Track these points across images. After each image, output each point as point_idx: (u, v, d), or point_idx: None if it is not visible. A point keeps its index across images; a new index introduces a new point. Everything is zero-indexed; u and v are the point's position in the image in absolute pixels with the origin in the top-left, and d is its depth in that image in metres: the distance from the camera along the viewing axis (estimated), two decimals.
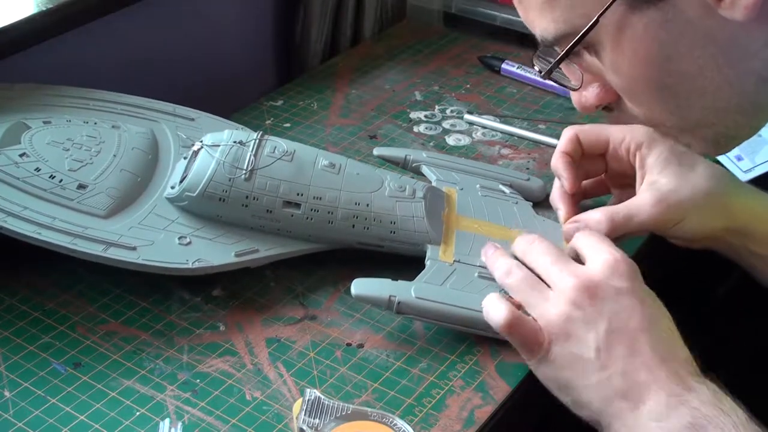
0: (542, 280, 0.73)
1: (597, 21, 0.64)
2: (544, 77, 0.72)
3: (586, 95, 0.72)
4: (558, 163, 0.87)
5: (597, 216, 0.82)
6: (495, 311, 0.73)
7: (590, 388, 0.69)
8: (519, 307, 0.73)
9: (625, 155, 0.86)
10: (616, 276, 0.70)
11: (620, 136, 0.86)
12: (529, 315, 0.72)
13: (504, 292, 0.76)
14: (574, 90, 0.73)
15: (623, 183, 0.88)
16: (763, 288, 0.85)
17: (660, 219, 0.81)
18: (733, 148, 0.76)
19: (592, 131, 0.88)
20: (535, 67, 0.73)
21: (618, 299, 0.70)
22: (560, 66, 0.70)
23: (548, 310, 0.71)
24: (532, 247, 0.76)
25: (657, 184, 0.82)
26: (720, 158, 1.03)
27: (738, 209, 0.82)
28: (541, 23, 0.69)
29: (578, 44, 0.66)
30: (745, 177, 1.01)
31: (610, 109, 0.73)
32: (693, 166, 0.82)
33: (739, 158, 1.03)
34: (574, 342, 0.69)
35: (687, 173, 0.82)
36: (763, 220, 0.82)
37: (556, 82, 0.74)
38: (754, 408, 0.68)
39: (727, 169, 0.85)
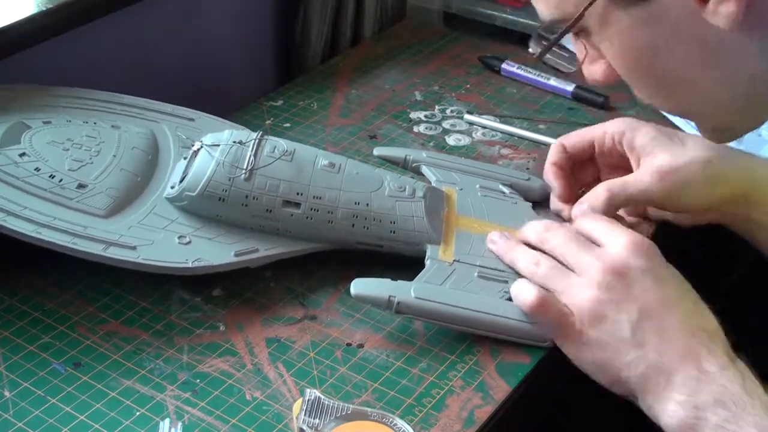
0: (565, 266, 0.75)
1: (582, 14, 0.66)
2: (538, 58, 0.74)
3: (594, 70, 0.73)
4: (548, 174, 0.89)
5: (596, 189, 0.83)
6: (525, 293, 0.75)
7: (628, 366, 0.70)
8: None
9: (612, 148, 0.87)
10: (639, 256, 0.72)
11: (601, 131, 0.88)
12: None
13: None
14: (569, 71, 0.75)
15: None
16: None
17: (658, 190, 0.82)
18: (737, 138, 0.76)
19: (575, 136, 0.90)
20: (530, 49, 0.75)
21: (644, 278, 0.71)
22: (565, 43, 0.72)
23: (579, 294, 0.73)
24: (550, 233, 0.77)
25: (651, 160, 0.83)
26: None
27: (737, 176, 0.83)
28: (539, 5, 0.71)
29: (567, 32, 0.68)
30: None
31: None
32: (683, 140, 0.84)
33: None
34: (609, 324, 0.71)
35: (678, 146, 0.83)
36: (764, 184, 0.83)
37: (550, 66, 0.76)
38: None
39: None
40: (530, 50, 0.75)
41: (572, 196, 0.88)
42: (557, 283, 0.74)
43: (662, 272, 0.73)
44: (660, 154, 0.83)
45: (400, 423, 0.68)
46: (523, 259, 0.78)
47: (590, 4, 0.64)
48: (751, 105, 0.68)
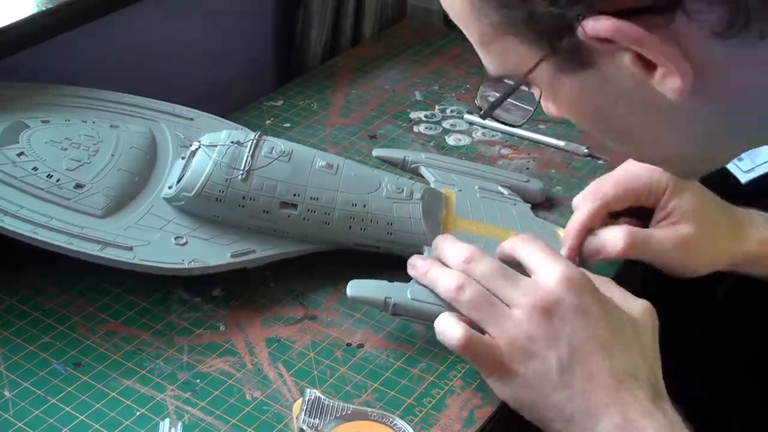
0: (494, 295, 0.71)
1: (525, 78, 0.60)
2: (484, 116, 0.68)
3: (550, 108, 0.66)
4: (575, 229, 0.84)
5: (617, 232, 0.81)
6: (450, 331, 0.71)
7: (553, 407, 0.68)
8: (470, 323, 0.71)
9: (652, 202, 0.85)
10: (573, 292, 0.69)
11: (645, 189, 0.84)
12: (484, 332, 0.71)
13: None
14: (517, 125, 0.71)
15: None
16: (762, 288, 0.85)
17: (676, 261, 0.82)
18: (703, 175, 0.74)
19: (620, 197, 0.85)
20: (476, 101, 0.69)
21: (576, 317, 0.69)
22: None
23: (509, 329, 0.69)
24: (477, 262, 0.73)
25: (680, 228, 0.83)
26: None
27: (759, 255, 0.85)
28: (484, 60, 0.63)
29: (511, 93, 0.63)
30: (745, 177, 1.01)
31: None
32: (717, 223, 0.84)
33: (740, 158, 1.03)
34: (538, 362, 0.68)
35: (710, 229, 0.83)
36: None
37: (500, 122, 0.70)
38: (756, 405, 0.68)
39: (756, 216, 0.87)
40: (476, 103, 0.70)
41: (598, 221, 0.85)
42: (486, 313, 0.71)
43: (595, 310, 0.69)
44: (689, 228, 0.83)
45: (400, 423, 0.68)
46: (444, 281, 0.74)
47: (530, 70, 0.58)
48: (710, 159, 0.65)
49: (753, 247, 0.84)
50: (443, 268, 0.75)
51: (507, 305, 0.70)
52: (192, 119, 0.96)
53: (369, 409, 0.69)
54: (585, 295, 0.70)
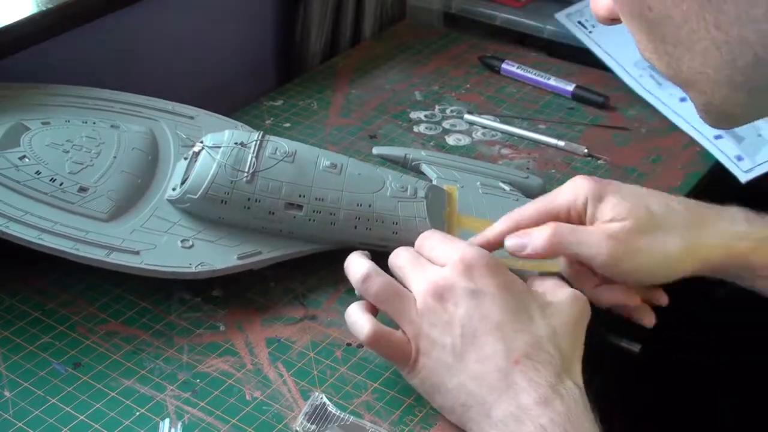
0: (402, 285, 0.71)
1: None
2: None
3: (600, 3, 0.60)
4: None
5: (544, 227, 0.77)
6: (359, 325, 0.70)
7: (451, 393, 0.68)
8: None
9: (576, 219, 0.79)
10: (466, 274, 0.69)
11: (564, 207, 0.79)
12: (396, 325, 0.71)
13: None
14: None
15: None
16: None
17: (612, 258, 0.76)
18: (731, 126, 0.67)
19: (534, 218, 0.79)
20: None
21: (469, 299, 0.68)
22: None
23: (413, 319, 0.69)
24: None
25: (611, 224, 0.77)
26: (720, 159, 1.03)
27: (708, 249, 0.77)
28: None
29: None
30: (745, 177, 1.01)
31: None
32: (663, 217, 0.77)
33: (740, 158, 1.03)
34: (437, 348, 0.68)
35: (649, 222, 0.77)
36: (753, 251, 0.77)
37: None
38: (754, 406, 0.68)
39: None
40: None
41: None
42: (391, 303, 0.70)
43: (489, 291, 0.68)
44: (617, 222, 0.76)
45: None
46: (354, 271, 0.73)
47: None
48: (749, 91, 0.59)
49: (727, 241, 0.77)
50: (355, 256, 0.74)
51: (412, 294, 0.70)
52: (192, 117, 0.95)
53: (368, 424, 0.70)
54: (479, 277, 0.69)
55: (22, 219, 0.78)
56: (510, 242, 0.77)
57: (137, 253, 0.78)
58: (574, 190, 0.79)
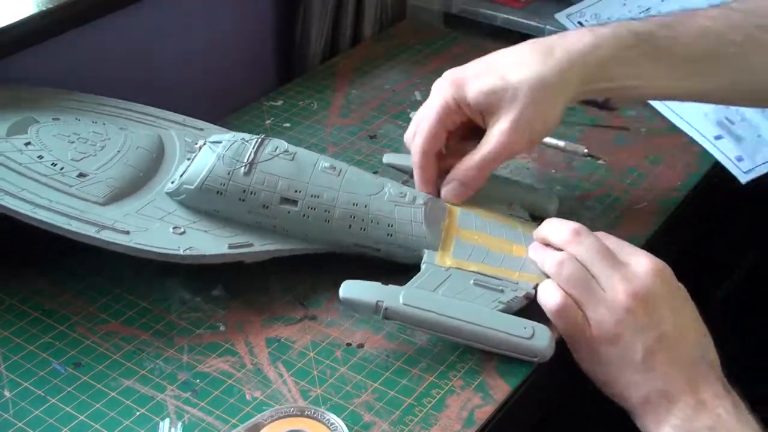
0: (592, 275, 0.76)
1: None
2: None
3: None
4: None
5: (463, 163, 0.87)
6: (549, 295, 0.76)
7: (633, 385, 0.73)
8: None
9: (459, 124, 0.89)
10: (662, 282, 0.74)
11: (444, 113, 0.88)
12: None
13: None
14: None
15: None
16: (763, 289, 0.85)
17: (511, 138, 0.85)
18: None
19: (429, 136, 0.89)
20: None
21: (664, 306, 0.73)
22: None
23: (602, 312, 0.74)
24: (579, 240, 0.77)
25: (495, 121, 0.86)
26: (720, 159, 1.03)
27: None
28: None
29: None
30: (745, 177, 1.01)
31: None
32: (507, 73, 0.89)
33: (740, 159, 1.03)
34: (623, 346, 0.73)
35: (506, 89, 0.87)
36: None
37: None
38: (754, 406, 0.69)
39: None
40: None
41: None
42: (582, 293, 0.75)
43: (679, 300, 0.75)
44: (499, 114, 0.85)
45: (334, 419, 0.68)
46: (550, 256, 0.79)
47: None
48: None
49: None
50: (548, 249, 0.80)
51: (602, 288, 0.74)
52: (202, 129, 0.95)
53: (314, 408, 0.70)
54: (671, 285, 0.75)
55: (18, 194, 0.79)
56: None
57: (127, 233, 0.78)
58: (438, 98, 0.88)
